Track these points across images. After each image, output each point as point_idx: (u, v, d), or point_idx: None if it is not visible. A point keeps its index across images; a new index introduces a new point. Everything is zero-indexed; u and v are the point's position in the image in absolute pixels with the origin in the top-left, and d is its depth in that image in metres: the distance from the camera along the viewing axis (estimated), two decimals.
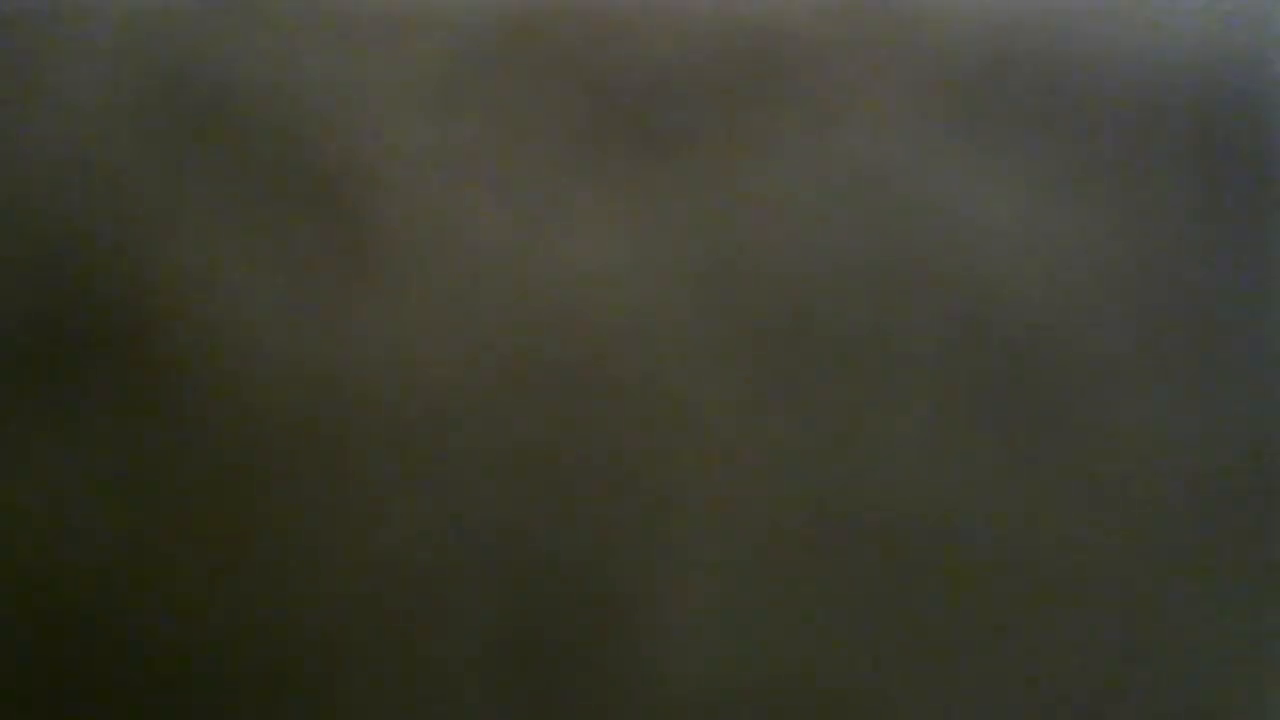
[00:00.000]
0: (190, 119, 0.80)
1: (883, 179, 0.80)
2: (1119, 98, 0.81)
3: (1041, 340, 0.79)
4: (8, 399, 0.78)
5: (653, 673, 0.77)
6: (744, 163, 0.80)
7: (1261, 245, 0.80)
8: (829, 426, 0.78)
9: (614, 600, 0.77)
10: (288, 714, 0.76)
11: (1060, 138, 0.81)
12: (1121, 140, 0.81)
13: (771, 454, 0.78)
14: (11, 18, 0.80)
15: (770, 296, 0.79)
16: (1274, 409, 0.79)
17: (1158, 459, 0.79)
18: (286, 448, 0.78)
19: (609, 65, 0.80)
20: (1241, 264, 0.80)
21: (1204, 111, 0.81)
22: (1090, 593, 0.78)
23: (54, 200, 0.79)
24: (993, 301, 0.79)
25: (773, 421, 0.78)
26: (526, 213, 0.79)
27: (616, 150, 0.80)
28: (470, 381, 0.78)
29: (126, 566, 0.77)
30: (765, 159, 0.80)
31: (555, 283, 0.79)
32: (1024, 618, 0.78)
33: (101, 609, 0.77)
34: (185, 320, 0.78)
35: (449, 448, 0.78)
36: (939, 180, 0.80)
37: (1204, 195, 0.81)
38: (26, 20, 0.80)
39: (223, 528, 0.77)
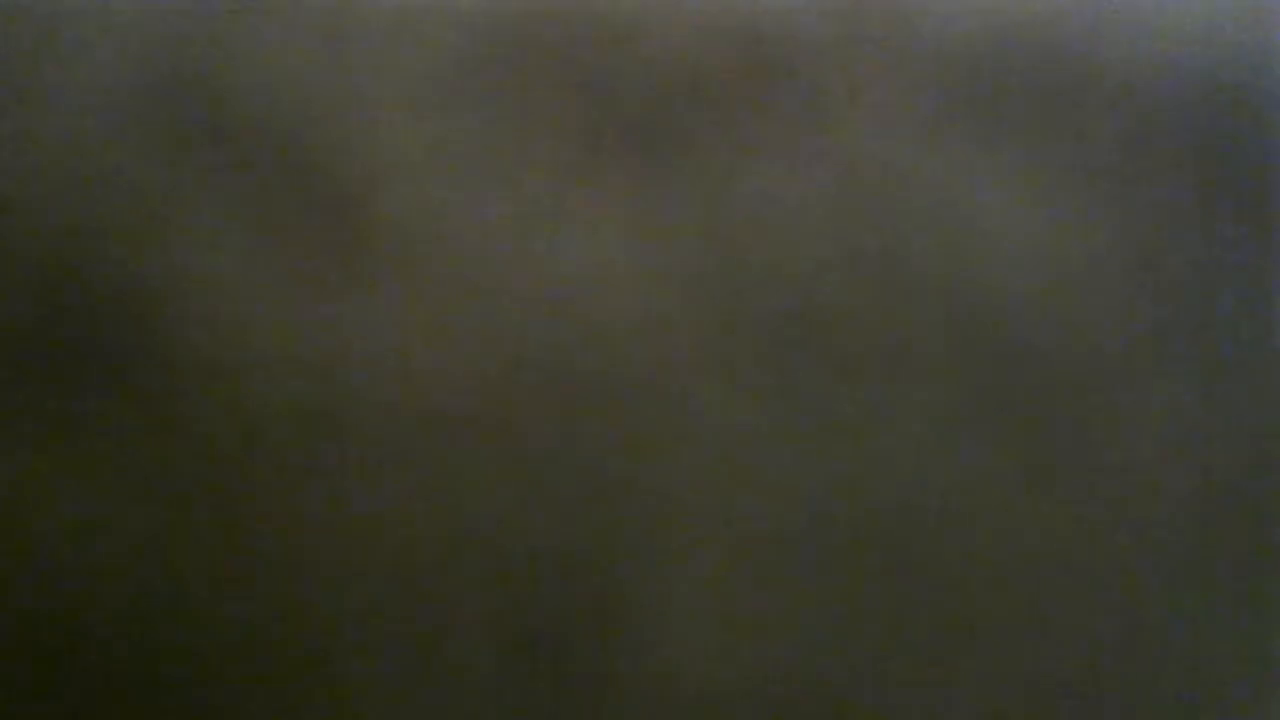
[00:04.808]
0: (190, 120, 0.80)
1: (882, 179, 0.80)
2: (1118, 97, 0.81)
3: (1041, 340, 0.79)
4: (7, 399, 0.78)
5: (653, 672, 0.77)
6: (743, 163, 0.80)
7: (1261, 245, 0.80)
8: (829, 426, 0.78)
9: (614, 600, 0.77)
10: (288, 714, 0.76)
11: (1060, 138, 0.81)
12: (1121, 140, 0.81)
13: (771, 454, 0.78)
14: (11, 18, 0.80)
15: (770, 296, 0.79)
16: (1274, 408, 0.79)
17: (1158, 458, 0.79)
18: (286, 448, 0.78)
19: (609, 65, 0.80)
20: (1241, 264, 0.80)
21: (1204, 111, 0.81)
22: (1090, 592, 0.78)
23: (54, 201, 0.79)
24: (993, 301, 0.79)
25: (772, 421, 0.78)
26: (526, 213, 0.79)
27: (616, 150, 0.80)
28: (470, 381, 0.78)
29: (126, 567, 0.77)
30: (765, 159, 0.80)
31: (555, 283, 0.79)
32: (1024, 618, 0.78)
33: (101, 609, 0.77)
34: (185, 320, 0.78)
35: (448, 447, 0.78)
36: (938, 180, 0.80)
37: (1204, 195, 0.81)
38: (26, 20, 0.80)
39: (222, 527, 0.77)
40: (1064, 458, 0.78)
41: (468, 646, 0.77)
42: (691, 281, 0.79)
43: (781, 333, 0.79)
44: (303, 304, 0.79)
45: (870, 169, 0.80)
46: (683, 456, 0.78)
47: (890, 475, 0.78)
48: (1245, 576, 0.78)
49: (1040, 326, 0.79)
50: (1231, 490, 0.79)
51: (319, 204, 0.79)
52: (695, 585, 0.77)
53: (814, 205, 0.80)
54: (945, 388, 0.79)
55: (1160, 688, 0.78)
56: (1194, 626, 0.78)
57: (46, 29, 0.80)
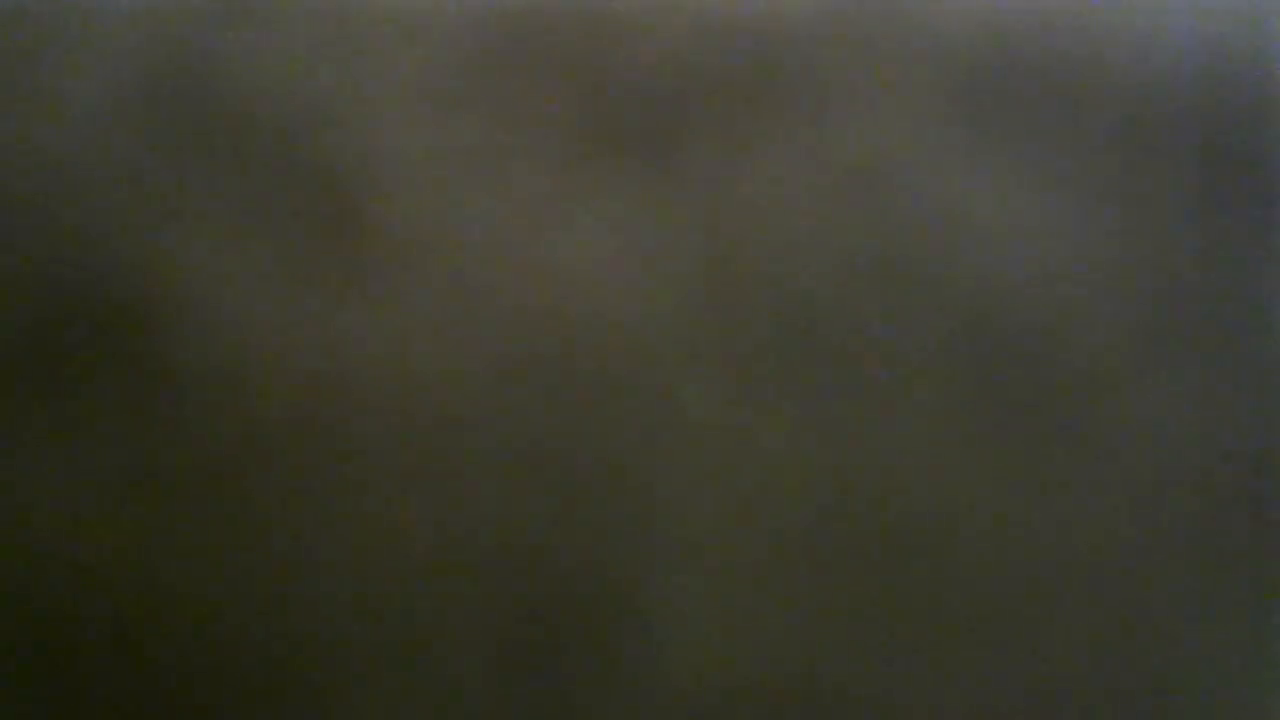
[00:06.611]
0: (190, 119, 0.80)
1: (881, 178, 0.80)
2: (1119, 98, 0.81)
3: (1041, 340, 0.79)
4: (7, 399, 0.78)
5: (652, 673, 0.77)
6: (743, 163, 0.80)
7: (1261, 245, 0.80)
8: (828, 425, 0.78)
9: (614, 600, 0.77)
10: (287, 714, 0.76)
11: (1060, 137, 0.81)
12: (1121, 140, 0.81)
13: (771, 453, 0.78)
14: (11, 18, 0.81)
15: (769, 296, 0.79)
16: (1274, 409, 0.79)
17: (1158, 459, 0.79)
18: (286, 447, 0.78)
19: (608, 65, 0.80)
20: (1241, 264, 0.80)
21: (1204, 111, 0.81)
22: (1091, 592, 0.78)
23: (54, 201, 0.79)
24: (992, 301, 0.79)
25: (772, 421, 0.78)
26: (525, 213, 0.79)
27: (616, 150, 0.80)
28: (469, 381, 0.78)
29: (126, 566, 0.77)
30: (764, 159, 0.80)
31: (554, 283, 0.79)
32: (1024, 618, 0.78)
33: (102, 609, 0.77)
34: (185, 320, 0.78)
35: (448, 447, 0.78)
36: (938, 180, 0.80)
37: (1204, 195, 0.81)
38: (26, 20, 0.81)
39: (222, 527, 0.77)
40: (1063, 456, 0.78)
41: (466, 646, 0.77)
42: (691, 281, 0.79)
43: (780, 331, 0.79)
44: (303, 305, 0.79)
45: (870, 168, 0.80)
46: (682, 456, 0.78)
47: (889, 474, 0.78)
48: (1246, 575, 0.78)
49: (1040, 325, 0.79)
50: (1231, 489, 0.79)
51: (319, 204, 0.79)
52: (695, 585, 0.77)
53: (813, 205, 0.80)
54: (945, 386, 0.79)
55: (1161, 687, 0.78)
56: (1194, 625, 0.78)
57: (46, 29, 0.80)
